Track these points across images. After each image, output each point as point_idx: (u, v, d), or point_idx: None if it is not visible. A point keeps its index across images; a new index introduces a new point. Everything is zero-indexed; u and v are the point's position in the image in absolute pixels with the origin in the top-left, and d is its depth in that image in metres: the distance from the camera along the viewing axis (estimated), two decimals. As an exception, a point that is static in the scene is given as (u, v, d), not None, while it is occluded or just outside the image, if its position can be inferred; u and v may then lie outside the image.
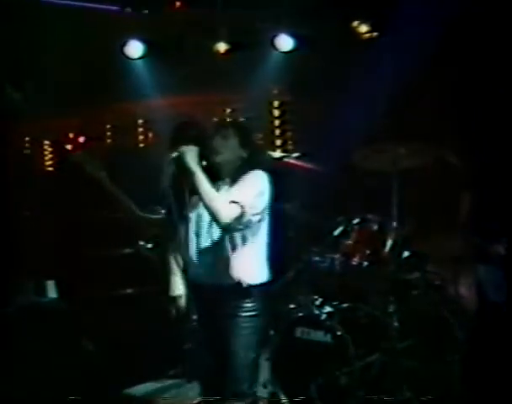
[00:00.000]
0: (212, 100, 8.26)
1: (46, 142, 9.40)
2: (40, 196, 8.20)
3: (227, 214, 4.21)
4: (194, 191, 4.25)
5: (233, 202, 4.23)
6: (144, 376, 6.26)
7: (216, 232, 4.38)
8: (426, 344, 5.54)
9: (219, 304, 4.37)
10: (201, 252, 4.44)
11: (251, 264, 4.41)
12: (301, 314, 5.65)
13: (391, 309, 5.57)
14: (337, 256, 5.82)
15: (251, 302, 4.36)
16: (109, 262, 7.53)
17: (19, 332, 6.15)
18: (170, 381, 6.16)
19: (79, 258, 7.47)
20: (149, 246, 6.27)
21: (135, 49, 7.44)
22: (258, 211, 4.35)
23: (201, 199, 4.23)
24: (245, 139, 4.49)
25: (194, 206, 4.40)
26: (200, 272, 4.42)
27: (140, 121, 8.94)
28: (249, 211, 4.28)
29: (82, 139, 9.10)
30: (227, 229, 4.31)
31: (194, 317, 4.44)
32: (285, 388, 5.53)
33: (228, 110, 8.33)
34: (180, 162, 4.21)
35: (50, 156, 9.39)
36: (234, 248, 4.38)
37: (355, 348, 5.36)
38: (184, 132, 5.93)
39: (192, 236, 4.44)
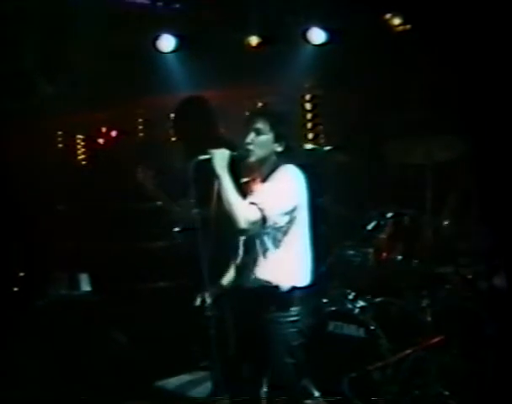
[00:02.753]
0: (243, 94, 8.25)
1: (79, 136, 9.46)
2: (74, 190, 8.26)
3: (245, 217, 4.09)
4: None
5: (252, 204, 4.11)
6: (176, 368, 6.29)
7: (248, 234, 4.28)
8: (459, 339, 5.49)
9: (253, 306, 4.29)
10: (236, 253, 4.40)
11: (286, 266, 4.27)
12: (333, 308, 5.64)
13: (424, 303, 5.53)
14: (370, 250, 5.80)
15: (287, 306, 4.23)
16: (142, 255, 7.57)
17: (53, 324, 6.22)
18: (202, 373, 6.15)
19: (112, 251, 7.51)
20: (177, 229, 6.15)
21: (167, 43, 7.44)
22: (286, 211, 4.21)
23: (224, 202, 4.14)
24: (280, 132, 4.31)
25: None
26: (235, 273, 4.42)
27: (172, 115, 8.95)
28: (272, 213, 4.14)
29: (114, 133, 9.15)
30: (247, 232, 4.21)
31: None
32: (317, 383, 5.51)
33: (260, 104, 8.32)
34: (209, 165, 4.15)
35: (82, 150, 9.45)
36: (266, 251, 4.26)
37: (388, 343, 5.34)
38: (190, 109, 5.93)
39: (227, 236, 4.36)
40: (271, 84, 7.81)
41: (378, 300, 5.69)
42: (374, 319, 5.43)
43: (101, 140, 9.25)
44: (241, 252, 4.40)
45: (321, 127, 8.09)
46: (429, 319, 5.47)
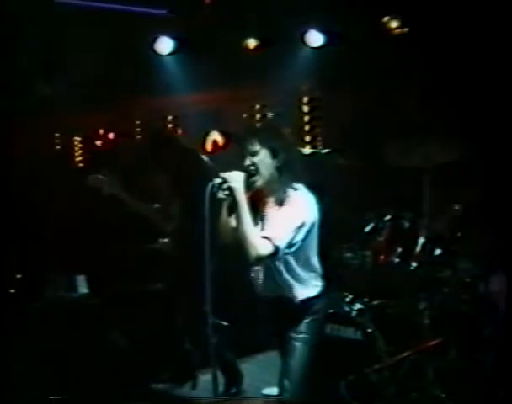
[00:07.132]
0: (241, 96, 8.26)
1: (77, 138, 9.47)
2: (71, 192, 8.25)
3: (256, 252, 4.04)
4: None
5: (265, 238, 4.03)
6: (174, 371, 6.27)
7: None
8: (457, 342, 5.49)
9: (265, 317, 4.36)
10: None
11: (299, 279, 4.30)
12: (331, 310, 5.63)
13: (421, 306, 5.53)
14: (368, 253, 5.80)
15: (299, 317, 4.31)
16: (140, 256, 7.55)
17: (50, 327, 6.20)
18: (202, 376, 6.12)
19: (110, 253, 7.50)
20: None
21: (165, 45, 7.46)
22: (300, 239, 4.15)
23: (239, 230, 4.06)
24: (273, 146, 4.18)
25: None
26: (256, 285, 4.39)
27: (169, 117, 8.96)
28: (284, 245, 4.07)
29: (111, 135, 9.16)
30: (257, 264, 4.22)
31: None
32: (315, 385, 5.51)
33: (257, 106, 8.33)
34: (228, 189, 4.05)
35: (80, 152, 9.46)
36: (284, 266, 4.25)
37: (386, 346, 5.34)
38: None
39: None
40: (269, 86, 7.82)
41: (376, 302, 5.69)
42: (371, 321, 5.43)
43: (98, 142, 9.25)
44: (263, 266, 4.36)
45: (318, 130, 8.09)
46: (427, 322, 5.46)
